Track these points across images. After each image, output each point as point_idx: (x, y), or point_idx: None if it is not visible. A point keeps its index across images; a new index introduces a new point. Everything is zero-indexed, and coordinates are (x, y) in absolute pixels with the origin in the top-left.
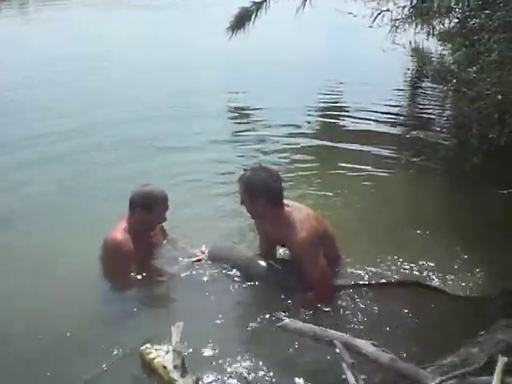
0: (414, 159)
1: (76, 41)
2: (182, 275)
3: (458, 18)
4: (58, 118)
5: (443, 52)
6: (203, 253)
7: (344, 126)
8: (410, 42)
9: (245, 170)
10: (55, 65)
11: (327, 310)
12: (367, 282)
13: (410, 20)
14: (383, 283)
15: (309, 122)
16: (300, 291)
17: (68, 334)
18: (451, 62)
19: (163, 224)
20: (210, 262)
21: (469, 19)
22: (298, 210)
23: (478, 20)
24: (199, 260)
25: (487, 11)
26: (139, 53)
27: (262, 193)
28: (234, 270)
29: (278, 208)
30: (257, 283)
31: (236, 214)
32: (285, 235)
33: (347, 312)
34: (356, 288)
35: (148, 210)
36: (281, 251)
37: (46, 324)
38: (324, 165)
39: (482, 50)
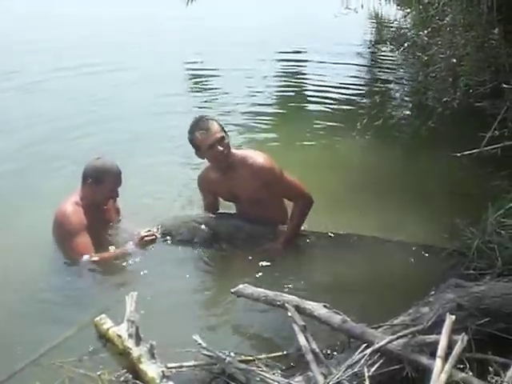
0: (371, 123)
1: None
2: (135, 248)
3: None
4: None
5: (400, 18)
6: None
7: (302, 91)
8: (362, 6)
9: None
10: None
11: (281, 273)
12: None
13: None
14: (340, 234)
15: (267, 86)
16: (266, 224)
17: (21, 307)
18: (407, 27)
19: (119, 206)
20: (163, 237)
21: None
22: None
23: None
24: (152, 237)
25: None
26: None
27: None
28: (189, 238)
29: None
30: (213, 248)
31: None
32: (246, 170)
33: (302, 275)
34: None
35: (98, 182)
36: None
37: None
38: (282, 129)
39: (433, 13)
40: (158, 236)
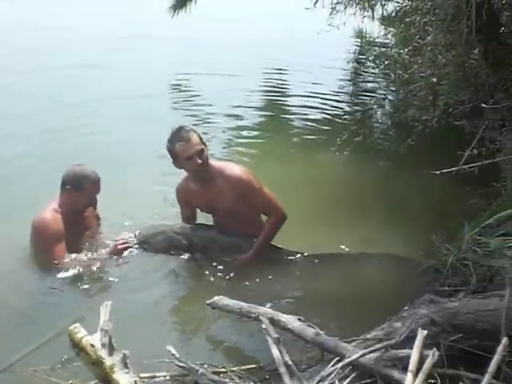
0: (351, 139)
1: None
2: (112, 257)
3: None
4: None
5: (383, 36)
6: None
7: (283, 107)
8: (345, 24)
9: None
10: None
11: (256, 286)
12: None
13: (350, 3)
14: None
15: (248, 101)
16: (242, 237)
17: None
18: (389, 45)
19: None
20: (139, 245)
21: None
22: None
23: (411, 2)
24: (126, 245)
25: None
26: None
27: None
28: (165, 247)
29: None
30: (189, 259)
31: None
32: (224, 181)
33: (277, 288)
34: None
35: (77, 188)
36: None
37: None
38: (262, 144)
39: (414, 32)
40: (134, 244)
